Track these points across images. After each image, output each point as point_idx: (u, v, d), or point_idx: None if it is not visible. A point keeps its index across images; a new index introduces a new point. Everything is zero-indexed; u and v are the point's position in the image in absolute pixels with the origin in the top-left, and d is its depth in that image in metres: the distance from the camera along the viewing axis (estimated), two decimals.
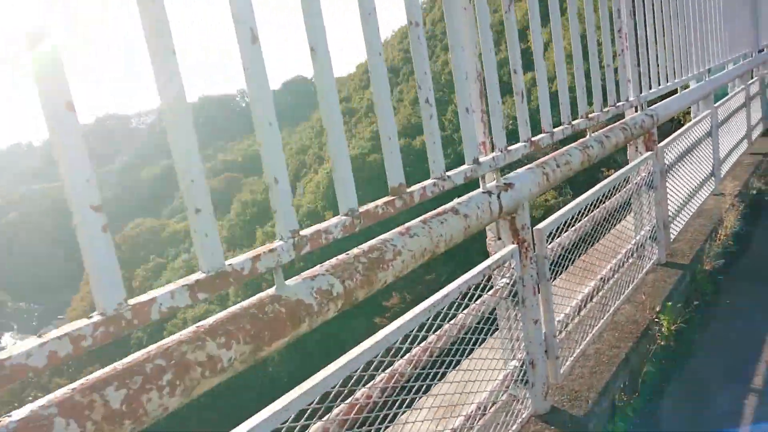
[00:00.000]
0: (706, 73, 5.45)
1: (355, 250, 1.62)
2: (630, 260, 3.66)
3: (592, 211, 3.09)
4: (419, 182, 1.90)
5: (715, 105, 5.60)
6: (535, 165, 2.52)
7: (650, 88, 4.03)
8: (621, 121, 3.54)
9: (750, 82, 7.40)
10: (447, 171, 2.01)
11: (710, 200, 5.18)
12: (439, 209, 1.98)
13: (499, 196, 2.19)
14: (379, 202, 1.70)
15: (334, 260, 1.56)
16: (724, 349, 3.14)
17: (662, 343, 3.02)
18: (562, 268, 2.73)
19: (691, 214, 4.74)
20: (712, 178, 5.38)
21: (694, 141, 4.98)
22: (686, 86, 5.26)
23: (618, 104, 3.44)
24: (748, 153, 6.91)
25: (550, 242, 2.56)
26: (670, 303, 3.33)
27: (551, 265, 2.59)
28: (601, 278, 3.17)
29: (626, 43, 3.70)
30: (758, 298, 3.63)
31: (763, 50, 8.62)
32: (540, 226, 2.46)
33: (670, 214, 4.23)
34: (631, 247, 3.68)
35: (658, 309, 3.13)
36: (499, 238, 2.41)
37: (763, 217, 5.17)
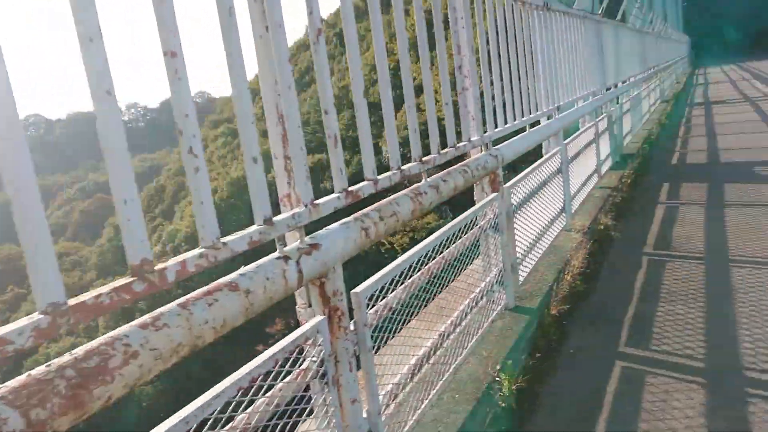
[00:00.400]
0: (556, 111, 5.52)
1: (61, 359, 1.19)
2: (476, 308, 3.47)
3: (438, 256, 2.85)
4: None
5: (566, 141, 5.68)
6: (353, 218, 2.21)
7: (496, 127, 3.91)
8: (462, 162, 3.36)
9: (599, 118, 7.72)
10: (226, 235, 1.64)
11: (561, 236, 5.19)
12: (212, 285, 1.59)
13: (299, 261, 1.84)
14: (104, 289, 1.28)
15: (15, 381, 1.12)
16: (565, 404, 2.98)
17: (503, 404, 2.80)
18: (393, 331, 2.43)
19: (542, 251, 4.69)
20: (563, 214, 5.41)
21: (544, 178, 4.97)
22: (537, 122, 5.28)
23: (459, 145, 3.25)
24: (598, 187, 7.15)
25: (373, 306, 2.25)
26: (512, 359, 3.14)
27: (379, 330, 2.29)
28: (441, 334, 2.92)
29: (468, 80, 3.54)
30: (600, 342, 3.55)
31: (610, 88, 9.09)
32: (358, 289, 2.14)
33: (520, 253, 4.12)
34: (477, 294, 3.48)
35: (498, 367, 2.92)
36: (310, 305, 2.07)
37: (610, 253, 5.25)
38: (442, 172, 3.04)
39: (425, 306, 2.80)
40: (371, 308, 2.22)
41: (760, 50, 70.57)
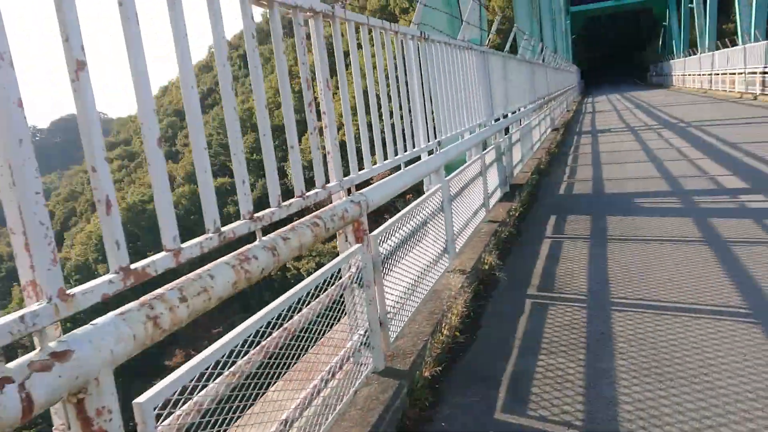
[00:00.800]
0: (437, 146, 5.25)
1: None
2: (340, 375, 3.03)
3: (276, 331, 2.38)
4: None
5: (448, 177, 5.42)
6: (138, 305, 1.70)
7: (362, 169, 3.53)
8: (314, 213, 2.94)
9: (486, 150, 7.60)
10: None
11: (444, 279, 4.87)
12: None
13: (24, 384, 1.32)
14: None
15: None
16: None
17: None
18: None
19: (422, 298, 4.34)
20: (446, 254, 5.12)
21: (424, 217, 4.65)
22: (419, 158, 4.99)
23: (309, 193, 2.82)
24: (486, 221, 6.97)
25: (165, 418, 1.74)
26: None
27: None
28: (284, 421, 2.45)
29: (325, 119, 3.14)
30: (475, 409, 3.20)
31: (499, 119, 9.06)
32: (140, 399, 1.63)
33: (394, 304, 3.74)
34: (339, 360, 3.05)
35: None
36: (69, 428, 1.54)
37: (494, 297, 4.99)
38: (285, 228, 2.60)
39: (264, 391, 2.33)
40: (163, 421, 1.72)
41: (642, 81, 76.11)
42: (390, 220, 3.80)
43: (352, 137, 3.39)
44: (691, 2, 48.04)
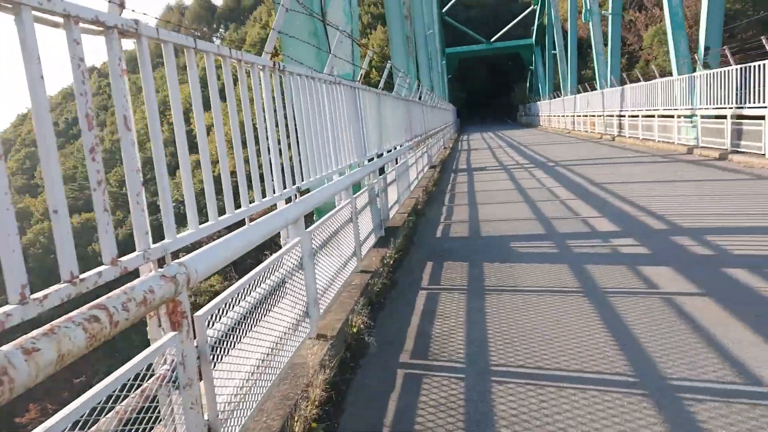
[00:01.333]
0: (296, 194, 4.57)
1: None
2: None
3: None
4: None
5: (310, 228, 4.74)
6: None
7: (182, 231, 2.76)
8: (106, 296, 2.13)
9: (359, 193, 7.04)
10: None
11: (304, 350, 4.14)
12: None
13: None
14: None
15: None
16: None
17: None
18: None
19: (272, 381, 3.57)
20: (307, 319, 4.40)
21: (277, 280, 3.93)
22: (273, 208, 4.28)
23: (84, 276, 2.01)
24: (358, 271, 6.35)
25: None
26: None
27: None
28: None
29: (128, 165, 2.36)
30: None
31: (372, 158, 8.58)
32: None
33: (234, 397, 2.95)
34: None
35: None
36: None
37: (362, 368, 4.33)
38: (37, 332, 1.78)
39: None
40: None
41: (512, 121, 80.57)
42: (225, 292, 3.03)
43: (167, 189, 2.62)
44: (554, 49, 51.63)
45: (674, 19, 19.84)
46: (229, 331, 3.04)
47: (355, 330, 4.81)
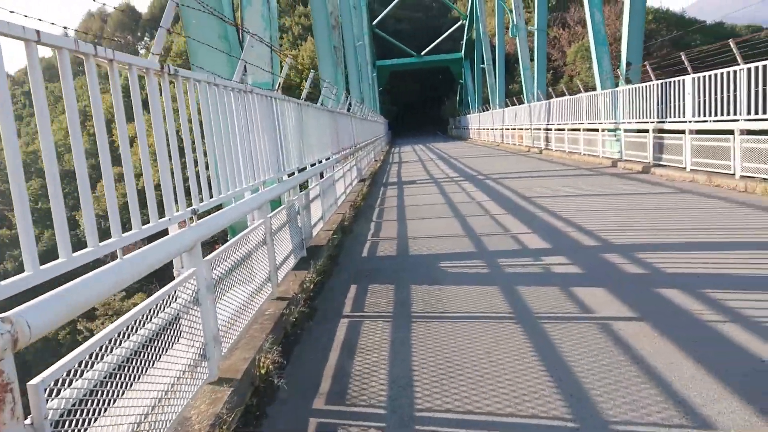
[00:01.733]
0: (192, 218, 3.95)
1: None
2: None
3: None
4: None
5: (209, 257, 4.13)
6: None
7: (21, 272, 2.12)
8: None
9: (275, 211, 6.46)
10: None
11: (199, 400, 3.53)
12: None
13: None
14: None
15: None
16: None
17: None
18: None
19: None
20: (204, 362, 3.78)
21: (168, 318, 3.31)
22: (165, 233, 3.66)
23: None
24: (273, 298, 5.76)
25: None
26: None
27: None
28: None
29: None
30: None
31: (294, 173, 8.01)
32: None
33: None
34: None
35: None
36: None
37: (270, 416, 3.75)
38: None
39: None
40: None
41: (443, 133, 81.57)
42: (81, 347, 2.41)
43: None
44: (483, 63, 52.55)
45: (597, 36, 20.28)
46: (86, 396, 2.42)
47: (263, 371, 4.22)
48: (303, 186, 10.41)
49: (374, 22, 68.57)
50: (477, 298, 5.85)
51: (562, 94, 25.00)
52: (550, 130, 26.12)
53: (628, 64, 17.83)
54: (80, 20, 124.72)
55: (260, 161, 6.17)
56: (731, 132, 11.87)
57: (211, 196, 4.38)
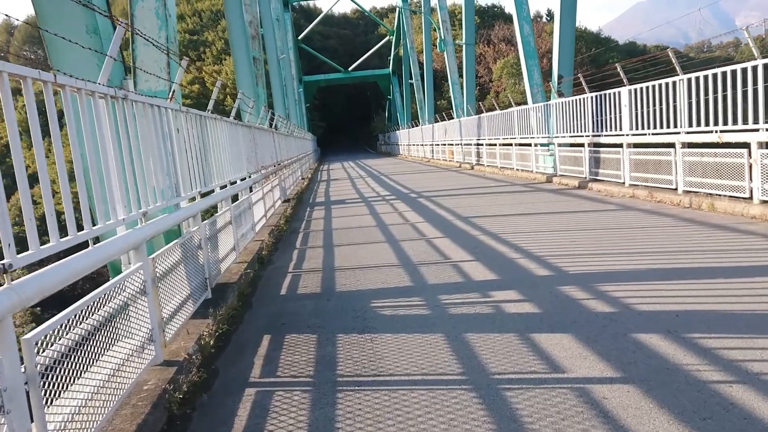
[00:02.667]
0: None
1: None
2: None
3: None
4: None
5: (45, 326, 2.80)
6: None
7: None
8: None
9: (160, 251, 5.12)
10: None
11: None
12: None
13: None
14: None
15: None
16: None
17: None
18: None
19: None
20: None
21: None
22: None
23: None
24: (158, 364, 4.41)
25: None
26: None
27: None
28: None
29: None
30: None
31: (195, 198, 6.70)
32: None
33: None
34: None
35: None
36: None
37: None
38: None
39: None
40: None
41: (372, 149, 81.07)
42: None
43: None
44: (411, 79, 52.23)
45: (527, 48, 19.86)
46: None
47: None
48: (213, 211, 9.04)
49: (300, 37, 67.38)
50: (418, 352, 4.70)
51: (491, 110, 24.57)
52: (482, 145, 25.61)
53: (560, 76, 17.40)
54: None
55: (145, 185, 4.85)
56: (672, 145, 11.36)
57: (30, 247, 3.03)
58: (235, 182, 9.91)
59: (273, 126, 18.46)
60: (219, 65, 63.79)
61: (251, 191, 11.38)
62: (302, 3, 75.80)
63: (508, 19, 75.57)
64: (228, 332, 5.76)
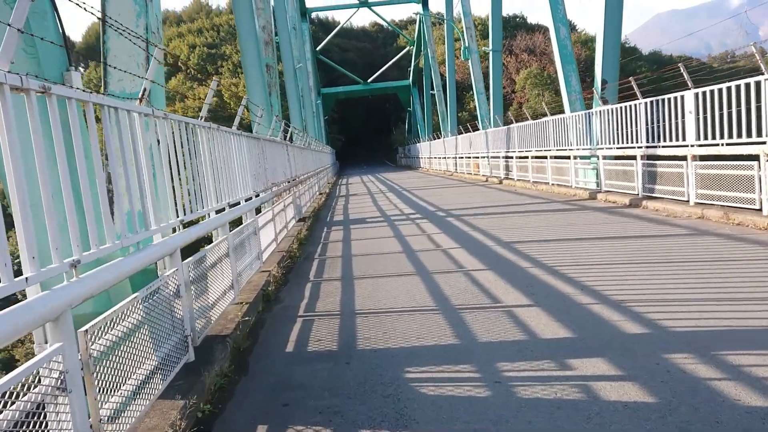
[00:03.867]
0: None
1: None
2: None
3: None
4: None
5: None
6: None
7: None
8: None
9: (98, 319, 3.54)
10: None
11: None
12: None
13: None
14: None
15: None
16: None
17: None
18: None
19: None
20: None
21: None
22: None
23: None
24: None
25: None
26: None
27: None
28: None
29: None
30: None
31: (176, 229, 5.15)
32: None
33: None
34: None
35: None
36: None
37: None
38: None
39: None
40: None
41: (392, 163, 79.67)
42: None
43: None
44: (433, 89, 50.73)
45: (563, 52, 18.22)
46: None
47: None
48: (207, 240, 7.50)
49: (318, 48, 66.36)
50: None
51: (513, 121, 22.93)
52: (511, 157, 23.91)
53: (604, 82, 15.71)
54: None
55: (119, 213, 3.31)
56: (756, 157, 9.60)
57: None
58: (240, 203, 8.38)
59: (287, 138, 16.98)
60: (237, 78, 62.97)
61: (258, 213, 9.84)
62: (320, 16, 74.96)
63: (531, 29, 73.91)
64: (210, 416, 4.17)
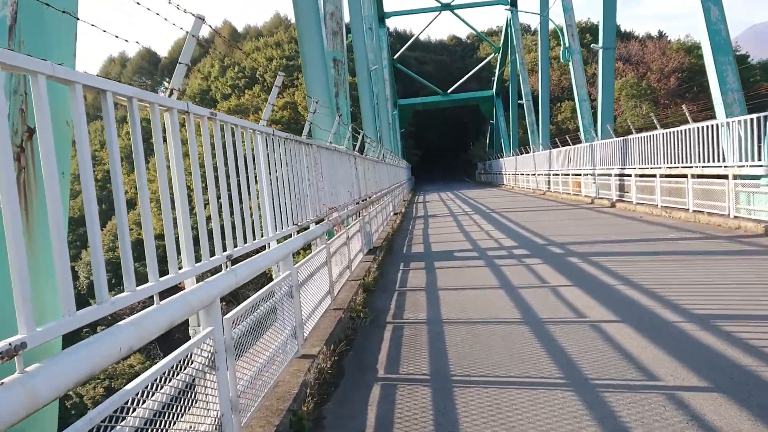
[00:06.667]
0: None
1: None
2: None
3: None
4: None
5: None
6: None
7: None
8: None
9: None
10: None
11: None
12: None
13: None
14: None
15: None
16: None
17: None
18: None
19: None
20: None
21: None
22: None
23: None
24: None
25: None
26: None
27: None
28: None
29: None
30: None
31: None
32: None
33: None
34: None
35: None
36: None
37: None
38: None
39: None
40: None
41: (470, 179, 75.51)
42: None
43: None
44: (520, 99, 46.55)
45: (715, 39, 14.09)
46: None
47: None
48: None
49: (395, 56, 63.45)
50: None
51: (613, 135, 18.71)
52: (628, 176, 19.62)
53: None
54: (100, 65, 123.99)
55: None
56: None
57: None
58: (269, 245, 4.99)
59: (357, 148, 13.66)
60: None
61: (302, 255, 6.43)
62: (398, 29, 72.16)
63: (623, 36, 68.30)
64: None
